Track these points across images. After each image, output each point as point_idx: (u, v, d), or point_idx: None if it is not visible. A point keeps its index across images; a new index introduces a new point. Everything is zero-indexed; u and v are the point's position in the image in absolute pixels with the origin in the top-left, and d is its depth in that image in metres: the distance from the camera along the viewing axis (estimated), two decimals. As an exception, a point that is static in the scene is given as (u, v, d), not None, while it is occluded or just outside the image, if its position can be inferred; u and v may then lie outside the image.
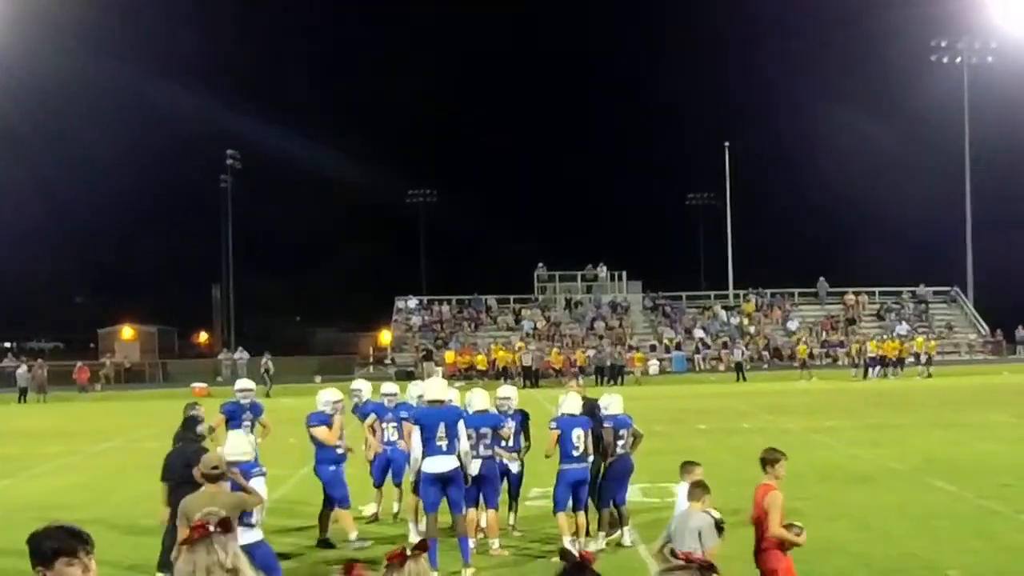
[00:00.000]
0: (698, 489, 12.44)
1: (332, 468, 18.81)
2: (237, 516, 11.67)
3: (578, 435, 17.59)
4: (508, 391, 20.02)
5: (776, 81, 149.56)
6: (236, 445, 14.36)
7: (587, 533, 17.96)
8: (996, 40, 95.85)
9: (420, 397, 19.58)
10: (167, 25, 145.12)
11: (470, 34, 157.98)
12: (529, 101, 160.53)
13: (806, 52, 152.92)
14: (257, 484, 13.67)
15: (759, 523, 12.21)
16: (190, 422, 18.07)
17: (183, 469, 15.71)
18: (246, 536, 13.32)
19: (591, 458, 18.04)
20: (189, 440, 17.28)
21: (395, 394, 21.15)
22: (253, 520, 13.54)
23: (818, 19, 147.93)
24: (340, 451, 19.23)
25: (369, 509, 21.09)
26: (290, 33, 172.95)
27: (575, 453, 17.55)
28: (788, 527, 12.07)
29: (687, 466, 12.98)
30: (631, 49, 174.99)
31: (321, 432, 18.66)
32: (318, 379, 70.44)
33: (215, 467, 12.76)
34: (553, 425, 18.11)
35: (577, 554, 5.55)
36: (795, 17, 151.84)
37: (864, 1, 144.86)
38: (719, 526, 12.96)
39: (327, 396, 19.59)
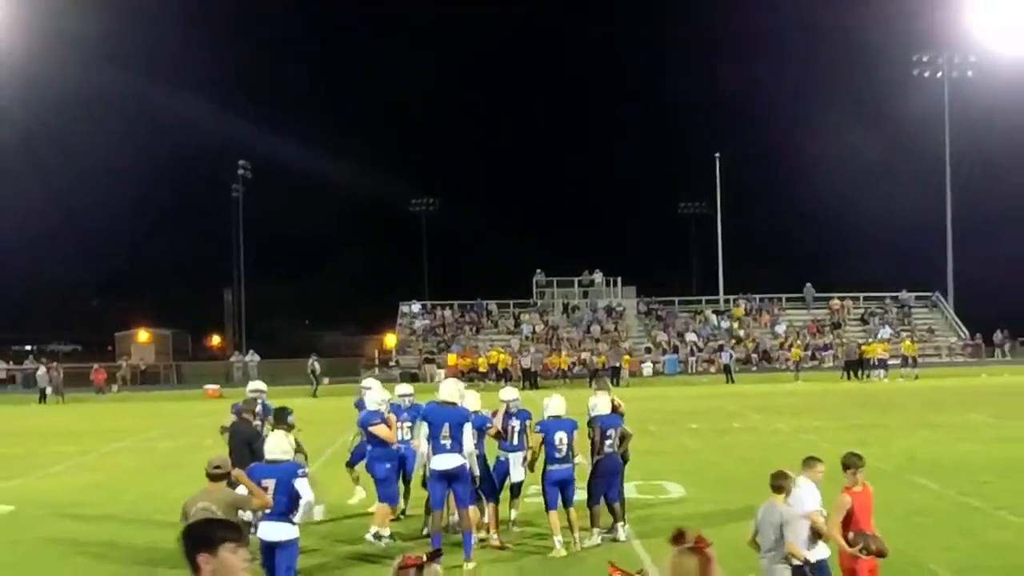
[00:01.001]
0: (782, 482, 12.18)
1: (388, 466, 18.74)
2: (234, 513, 11.64)
3: (560, 437, 17.63)
4: (513, 392, 20.21)
5: (766, 94, 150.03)
6: (277, 444, 14.29)
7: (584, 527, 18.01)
8: (975, 55, 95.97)
9: (406, 396, 20.20)
10: (182, 40, 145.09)
11: (469, 52, 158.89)
12: (528, 114, 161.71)
13: (795, 66, 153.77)
14: (301, 484, 13.62)
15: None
16: (281, 415, 18.20)
17: (237, 446, 15.94)
18: (282, 531, 13.30)
19: (577, 459, 18.06)
20: (244, 421, 17.35)
21: (411, 395, 21.12)
22: (297, 515, 13.51)
23: (806, 35, 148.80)
24: (395, 448, 19.20)
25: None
26: (299, 49, 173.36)
27: (558, 455, 17.59)
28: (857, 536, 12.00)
29: (809, 461, 12.89)
30: (628, 63, 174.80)
31: (381, 430, 18.59)
32: (326, 381, 70.42)
33: (217, 467, 12.76)
34: (538, 428, 18.24)
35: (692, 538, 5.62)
36: (785, 33, 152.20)
37: (849, 18, 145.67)
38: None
39: (377, 396, 19.58)
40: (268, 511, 13.32)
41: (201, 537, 5.76)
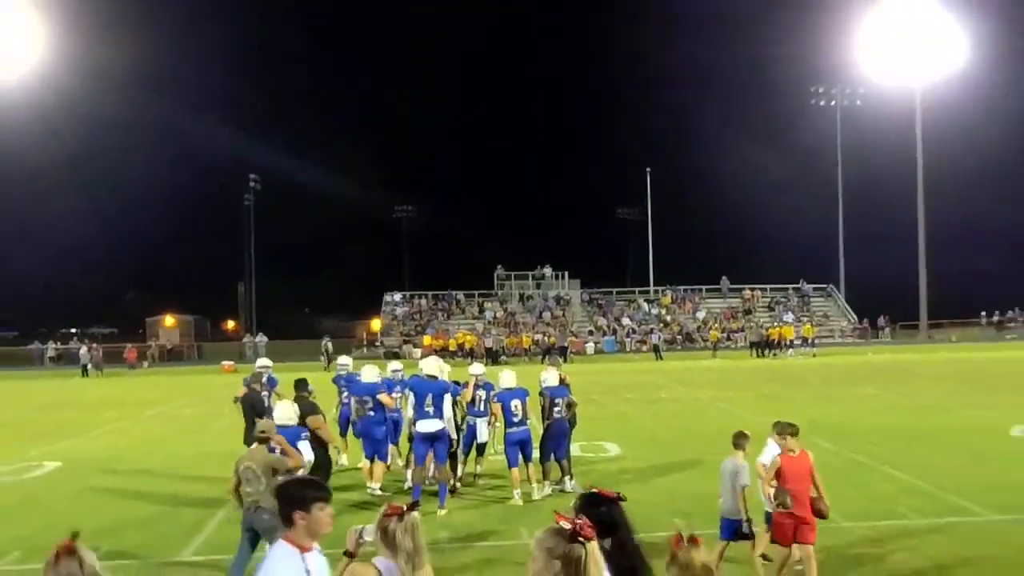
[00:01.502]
0: (740, 439, 12.28)
1: (383, 429, 18.75)
2: (270, 472, 11.68)
3: (515, 404, 17.72)
4: (480, 367, 20.41)
5: (690, 119, 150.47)
6: (283, 412, 14.35)
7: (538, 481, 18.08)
8: (863, 87, 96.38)
9: (397, 371, 20.14)
10: (201, 73, 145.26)
11: (441, 90, 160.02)
12: (492, 138, 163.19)
13: (714, 96, 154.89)
14: (303, 447, 13.70)
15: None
16: (301, 384, 18.16)
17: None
18: None
19: (529, 420, 18.16)
20: (302, 397, 17.37)
21: (402, 370, 21.13)
22: (299, 474, 13.55)
23: (724, 70, 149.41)
24: (394, 415, 19.24)
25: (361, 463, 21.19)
26: (300, 82, 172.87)
27: (515, 419, 17.67)
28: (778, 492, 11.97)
29: (778, 425, 12.89)
30: (576, 94, 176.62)
31: (385, 398, 18.63)
32: (322, 359, 70.22)
33: (262, 431, 12.84)
34: (496, 399, 18.32)
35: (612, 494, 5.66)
36: (706, 68, 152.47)
37: (758, 54, 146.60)
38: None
39: (374, 373, 19.62)
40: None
41: (296, 496, 5.89)
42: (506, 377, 18.67)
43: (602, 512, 5.52)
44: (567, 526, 4.74)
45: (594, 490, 5.81)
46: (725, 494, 12.07)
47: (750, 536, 11.87)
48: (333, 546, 6.07)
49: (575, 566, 4.62)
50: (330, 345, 73.18)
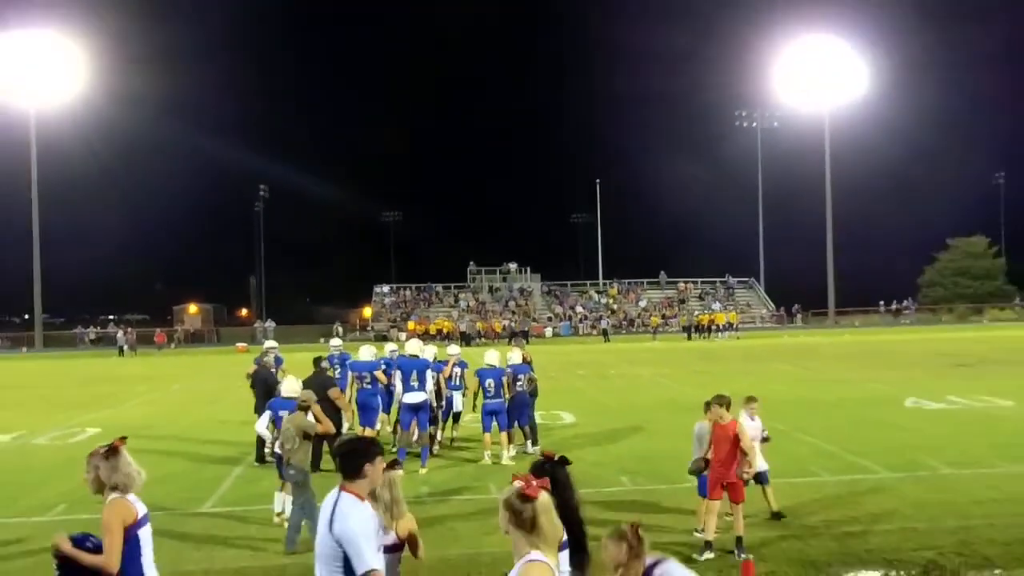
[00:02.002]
0: (710, 407, 11.74)
1: (377, 399, 18.73)
2: (302, 435, 11.79)
3: (489, 382, 17.78)
4: (456, 348, 20.75)
5: (632, 137, 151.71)
6: (290, 386, 14.25)
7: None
8: (780, 111, 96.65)
9: (394, 351, 20.00)
10: (217, 98, 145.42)
11: (424, 113, 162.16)
12: (465, 154, 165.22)
13: (652, 117, 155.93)
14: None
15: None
16: (318, 361, 18.38)
17: (316, 388, 15.97)
18: None
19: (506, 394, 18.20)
20: (321, 371, 17.37)
21: (396, 351, 21.08)
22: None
23: (661, 96, 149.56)
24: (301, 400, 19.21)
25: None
26: (302, 104, 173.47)
27: (489, 393, 17.72)
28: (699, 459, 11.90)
29: (749, 399, 12.74)
30: (534, 118, 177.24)
31: (379, 375, 18.55)
32: (322, 340, 69.96)
33: (304, 400, 13.02)
34: (476, 374, 18.37)
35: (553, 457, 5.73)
36: (646, 94, 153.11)
37: (691, 83, 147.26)
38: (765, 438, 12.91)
39: (370, 352, 19.60)
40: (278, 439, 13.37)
41: (364, 451, 5.89)
42: (489, 357, 18.77)
43: (546, 471, 5.61)
44: (519, 485, 4.97)
45: (543, 454, 6.03)
46: (696, 454, 11.85)
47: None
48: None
49: (526, 519, 4.85)
50: (340, 329, 75.00)
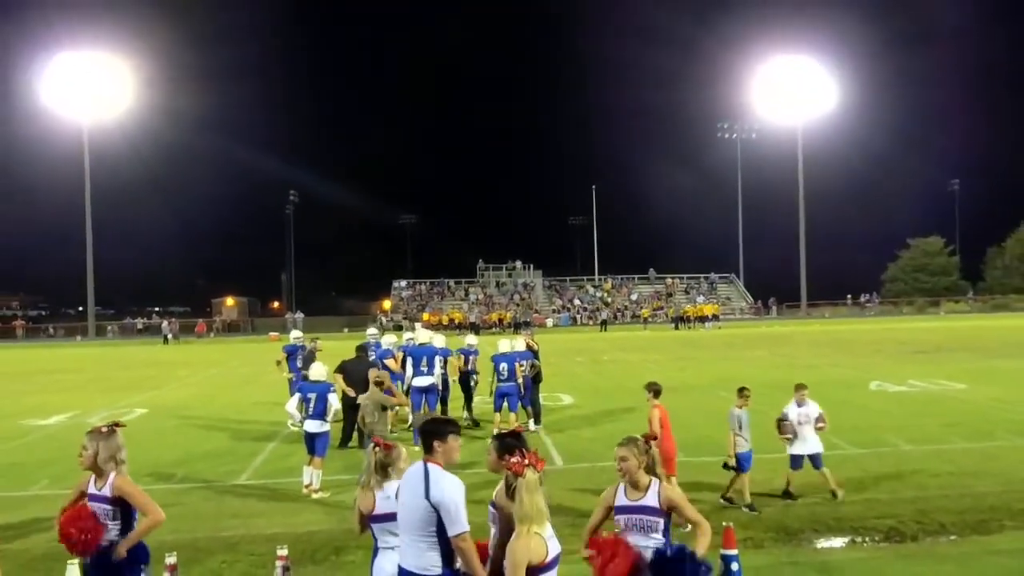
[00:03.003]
0: (744, 391, 12.23)
1: (396, 383, 18.75)
2: (380, 408, 12.14)
3: (503, 367, 17.78)
4: (473, 338, 20.85)
5: (624, 147, 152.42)
6: (318, 371, 14.25)
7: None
8: (758, 123, 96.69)
9: (410, 339, 20.01)
10: (252, 113, 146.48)
11: (439, 127, 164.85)
12: (475, 164, 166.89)
13: (642, 129, 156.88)
14: (332, 398, 13.69)
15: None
16: (362, 348, 18.20)
17: (356, 373, 16.16)
18: (318, 426, 13.31)
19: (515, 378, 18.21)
20: (362, 358, 17.37)
21: (413, 339, 21.10)
22: (327, 416, 13.49)
23: (650, 109, 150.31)
24: (400, 374, 19.19)
25: None
26: (328, 118, 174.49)
27: (502, 378, 17.72)
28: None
29: (799, 387, 12.60)
30: (537, 131, 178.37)
31: (391, 363, 18.54)
32: (345, 330, 70.20)
33: (377, 378, 13.48)
34: (492, 359, 18.38)
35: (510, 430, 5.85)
36: (636, 107, 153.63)
37: (678, 98, 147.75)
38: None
39: (389, 340, 19.64)
40: (310, 414, 13.37)
41: (437, 430, 5.91)
42: (502, 345, 18.82)
43: (509, 441, 5.82)
44: (514, 460, 5.30)
45: (512, 428, 6.41)
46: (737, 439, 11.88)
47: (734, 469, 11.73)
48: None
49: (512, 492, 5.22)
50: (383, 319, 77.39)
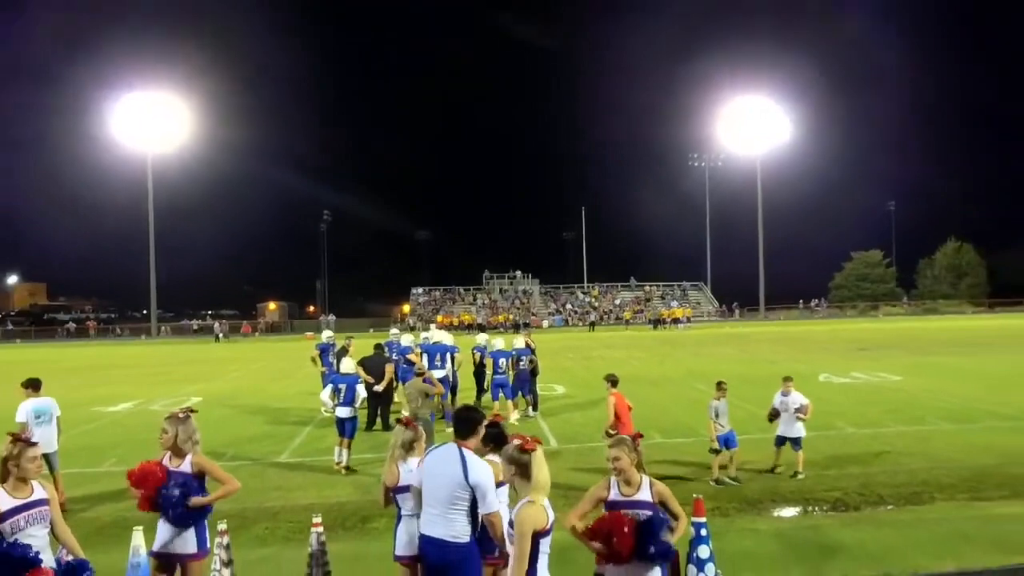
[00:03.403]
0: (721, 384, 12.12)
1: (411, 374, 18.72)
2: (424, 395, 12.23)
3: (503, 362, 17.82)
4: (484, 337, 20.71)
5: (609, 173, 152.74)
6: (347, 365, 14.26)
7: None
8: (723, 154, 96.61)
9: (426, 338, 19.99)
10: (292, 142, 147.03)
11: (451, 154, 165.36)
12: (482, 186, 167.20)
13: (625, 158, 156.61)
14: (360, 388, 13.79)
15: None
16: (378, 346, 18.34)
17: (375, 366, 16.60)
18: (349, 412, 13.32)
19: (511, 372, 18.19)
20: (379, 354, 17.40)
21: (428, 338, 21.09)
22: (355, 403, 13.51)
23: (631, 140, 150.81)
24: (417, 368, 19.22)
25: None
26: (357, 149, 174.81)
27: (500, 371, 17.76)
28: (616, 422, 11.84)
29: (786, 380, 12.53)
30: (535, 158, 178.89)
31: (413, 357, 18.51)
32: (371, 330, 70.13)
33: (420, 370, 13.82)
34: (489, 356, 18.40)
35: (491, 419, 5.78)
36: (618, 139, 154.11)
37: (654, 131, 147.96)
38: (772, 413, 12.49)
39: (408, 339, 19.65)
40: (341, 401, 13.39)
41: (474, 419, 5.95)
42: (497, 343, 18.88)
43: (491, 431, 5.96)
44: (518, 442, 5.15)
45: (491, 418, 6.12)
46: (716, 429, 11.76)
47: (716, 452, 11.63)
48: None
49: (525, 467, 5.05)
50: (411, 321, 77.85)
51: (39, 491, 5.35)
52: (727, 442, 11.61)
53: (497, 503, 5.62)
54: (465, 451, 5.72)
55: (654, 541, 5.25)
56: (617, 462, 5.57)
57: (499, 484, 5.90)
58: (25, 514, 5.21)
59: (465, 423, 5.88)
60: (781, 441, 12.19)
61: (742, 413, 18.04)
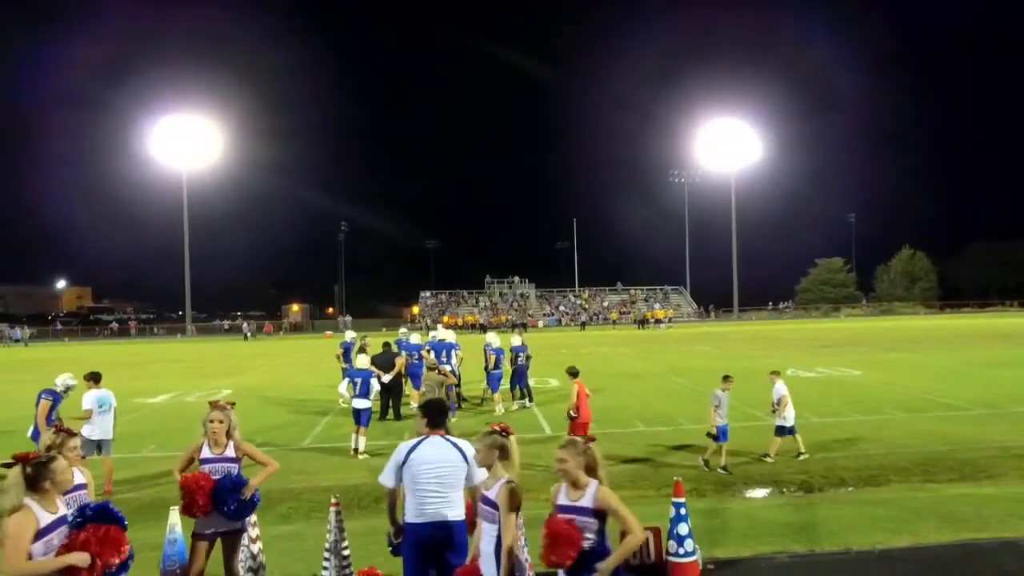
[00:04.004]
0: (726, 379, 11.82)
1: (421, 368, 18.69)
2: (439, 386, 12.26)
3: (500, 357, 17.89)
4: (493, 336, 20.55)
5: (598, 189, 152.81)
6: (362, 361, 14.29)
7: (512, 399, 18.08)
8: (701, 171, 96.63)
9: (433, 336, 19.99)
10: (312, 159, 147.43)
11: (456, 171, 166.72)
12: (485, 200, 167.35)
13: (612, 174, 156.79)
14: (374, 382, 13.79)
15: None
16: (387, 344, 18.24)
17: (385, 361, 16.70)
18: (364, 404, 13.32)
19: (510, 367, 18.20)
20: (388, 351, 17.38)
21: (435, 336, 21.06)
22: (370, 396, 13.51)
23: (618, 159, 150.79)
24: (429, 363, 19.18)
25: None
26: (372, 165, 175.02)
27: (499, 365, 17.78)
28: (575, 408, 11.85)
29: (773, 374, 12.39)
30: (532, 175, 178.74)
31: (424, 354, 18.47)
32: (383, 330, 70.08)
33: (432, 364, 14.14)
34: (493, 352, 18.35)
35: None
36: (606, 158, 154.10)
37: (638, 150, 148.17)
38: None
39: (416, 338, 19.61)
40: (357, 394, 13.40)
41: (446, 410, 5.97)
42: (500, 341, 18.99)
43: (496, 438, 5.39)
44: (497, 429, 5.15)
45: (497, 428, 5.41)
46: (715, 418, 11.47)
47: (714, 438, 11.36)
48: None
49: (506, 449, 5.04)
50: (428, 321, 76.94)
51: (79, 476, 5.30)
52: (723, 434, 11.42)
53: None
54: (449, 437, 5.66)
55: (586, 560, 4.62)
56: (561, 464, 4.80)
57: None
58: (66, 497, 5.07)
59: (442, 414, 5.83)
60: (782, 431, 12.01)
61: (718, 404, 18.10)
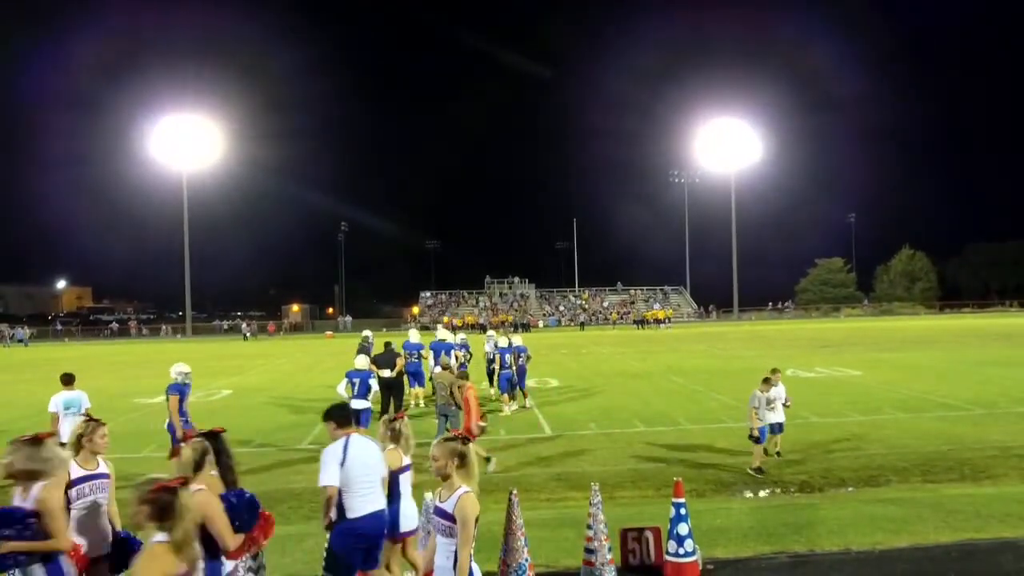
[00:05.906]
0: (768, 379, 11.73)
1: (421, 368, 18.71)
2: (453, 384, 12.20)
3: (508, 357, 17.82)
4: (493, 333, 20.81)
5: (598, 190, 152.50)
6: (362, 361, 14.29)
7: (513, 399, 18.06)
8: (701, 171, 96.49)
9: (440, 339, 19.98)
10: (313, 161, 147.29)
11: (457, 173, 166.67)
12: (485, 201, 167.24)
13: (612, 175, 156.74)
14: (372, 382, 13.81)
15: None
16: (387, 343, 18.15)
17: (386, 361, 16.59)
18: (363, 404, 13.33)
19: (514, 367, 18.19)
20: (390, 351, 17.35)
21: (442, 338, 21.03)
22: (369, 396, 13.52)
23: (618, 160, 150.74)
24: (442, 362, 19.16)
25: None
26: (370, 167, 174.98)
27: (506, 365, 17.74)
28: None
29: (775, 372, 12.33)
30: (533, 179, 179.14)
31: (424, 353, 18.55)
32: (384, 330, 69.99)
33: (446, 364, 14.11)
34: (497, 352, 18.37)
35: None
36: (606, 159, 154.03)
37: (638, 151, 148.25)
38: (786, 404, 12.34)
39: (418, 336, 19.60)
40: (355, 394, 13.40)
41: (343, 413, 6.42)
42: (501, 341, 18.92)
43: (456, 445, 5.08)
44: (456, 435, 4.95)
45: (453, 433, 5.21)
46: (754, 420, 11.20)
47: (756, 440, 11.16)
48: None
49: (465, 457, 4.77)
50: (444, 322, 76.14)
51: (103, 466, 5.66)
52: (761, 436, 11.15)
53: None
54: (366, 436, 6.30)
55: None
56: (434, 462, 4.74)
57: (404, 469, 6.50)
58: (90, 483, 5.50)
59: (345, 415, 6.46)
60: (774, 429, 12.01)
61: (716, 403, 18.07)
